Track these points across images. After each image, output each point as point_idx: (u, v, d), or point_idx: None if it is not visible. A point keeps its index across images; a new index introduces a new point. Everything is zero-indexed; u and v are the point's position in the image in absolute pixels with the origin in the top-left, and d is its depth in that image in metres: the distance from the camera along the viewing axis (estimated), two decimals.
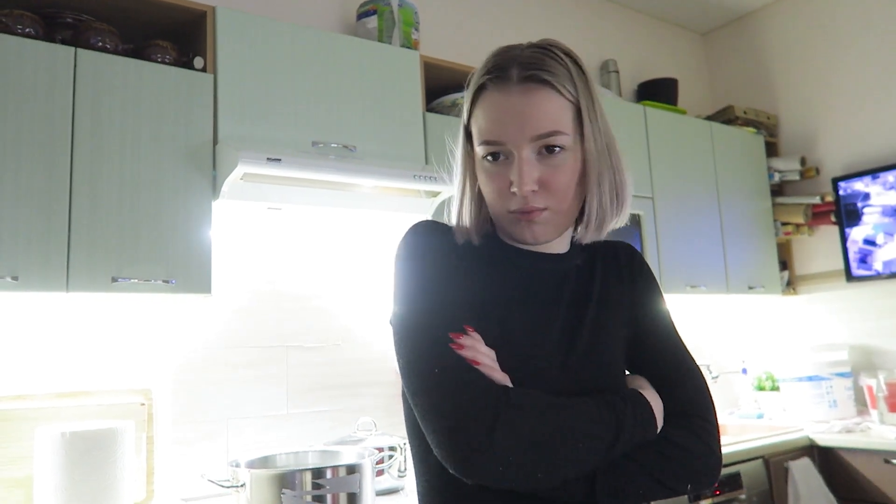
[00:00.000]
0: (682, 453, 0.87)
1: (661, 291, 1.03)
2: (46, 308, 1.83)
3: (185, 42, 1.95)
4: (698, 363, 0.98)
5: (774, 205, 3.29)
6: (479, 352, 0.81)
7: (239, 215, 2.16)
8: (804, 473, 2.48)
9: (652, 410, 0.87)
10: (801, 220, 3.22)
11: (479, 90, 0.89)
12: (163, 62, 1.83)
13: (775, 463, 2.45)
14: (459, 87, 2.42)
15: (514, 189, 0.85)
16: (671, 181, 2.89)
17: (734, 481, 2.29)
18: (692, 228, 2.92)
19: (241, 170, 1.71)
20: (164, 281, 1.69)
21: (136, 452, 1.78)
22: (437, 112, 2.35)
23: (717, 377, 2.87)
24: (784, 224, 3.29)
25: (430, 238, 0.91)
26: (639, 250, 1.05)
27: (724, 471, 2.27)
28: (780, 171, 3.32)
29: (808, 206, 3.22)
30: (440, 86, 2.43)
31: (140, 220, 1.69)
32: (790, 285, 3.32)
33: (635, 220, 2.75)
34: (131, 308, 1.94)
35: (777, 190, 3.37)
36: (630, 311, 0.98)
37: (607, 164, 0.91)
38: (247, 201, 1.90)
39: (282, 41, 1.97)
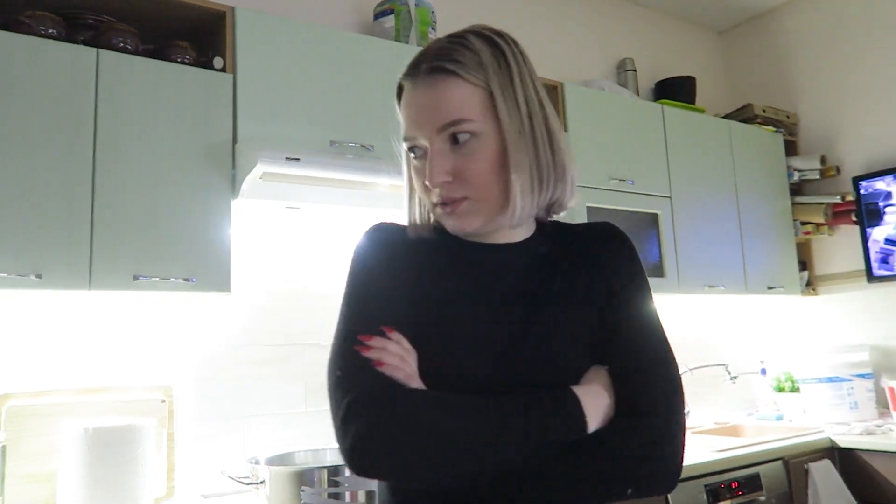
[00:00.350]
0: (613, 455, 0.80)
1: (640, 275, 0.94)
2: (69, 306, 1.85)
3: (205, 42, 1.97)
4: (672, 357, 0.90)
5: (794, 204, 3.26)
6: (388, 352, 0.81)
7: (258, 214, 2.17)
8: (824, 475, 2.45)
9: (580, 409, 0.80)
10: (820, 219, 3.18)
11: (400, 90, 0.92)
12: (182, 62, 1.85)
13: (795, 464, 2.43)
14: None
15: (427, 182, 0.86)
16: (689, 180, 2.87)
17: (754, 483, 2.27)
18: (710, 228, 2.90)
19: (260, 169, 1.72)
20: (184, 279, 1.71)
21: (157, 449, 1.79)
22: None
23: (735, 378, 2.84)
24: (804, 224, 3.25)
25: (370, 242, 0.93)
26: (622, 231, 0.96)
27: (744, 472, 2.26)
28: (799, 170, 3.28)
29: (828, 206, 3.18)
30: None
31: (161, 218, 1.71)
32: (810, 285, 3.28)
33: (652, 220, 2.73)
34: (152, 306, 1.96)
35: (796, 189, 3.34)
36: (600, 301, 0.90)
37: (529, 146, 0.86)
38: (265, 200, 1.91)
39: (300, 41, 1.98)
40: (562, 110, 2.56)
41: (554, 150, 0.88)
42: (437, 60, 0.86)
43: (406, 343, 0.83)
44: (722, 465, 2.22)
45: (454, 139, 0.85)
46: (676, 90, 3.20)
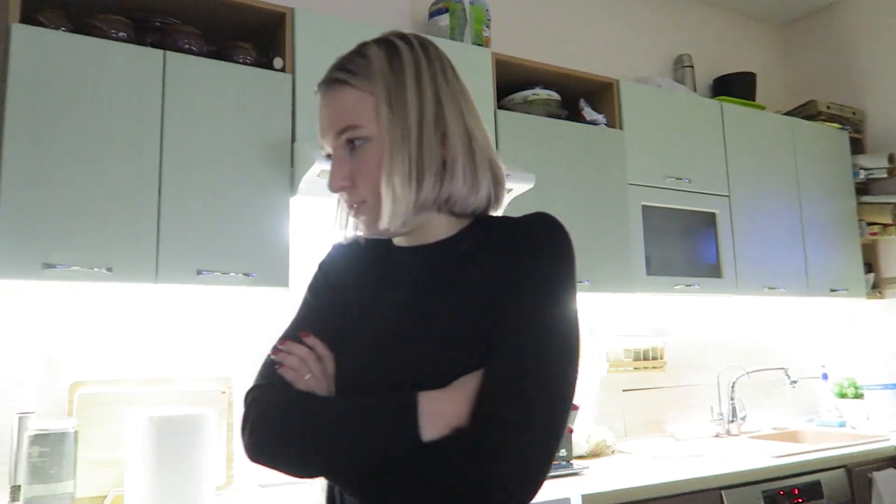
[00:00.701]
0: (436, 468, 0.74)
1: (551, 269, 0.85)
2: (137, 298, 1.93)
3: (265, 43, 2.02)
4: (559, 363, 0.79)
5: (859, 204, 3.14)
6: (291, 355, 0.88)
7: (315, 211, 2.21)
8: (889, 484, 2.36)
9: (413, 416, 0.76)
10: (888, 219, 3.06)
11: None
12: (244, 63, 1.90)
13: (858, 473, 2.35)
14: (531, 84, 2.43)
15: (328, 187, 0.90)
16: (749, 179, 2.80)
17: (814, 490, 2.21)
18: (771, 228, 2.82)
19: (318, 167, 1.75)
20: (244, 274, 1.75)
21: (217, 438, 1.85)
22: (507, 109, 2.35)
23: (795, 382, 2.76)
24: (870, 224, 3.13)
25: (322, 261, 1.02)
26: (553, 221, 0.89)
27: (805, 479, 2.19)
28: (865, 169, 3.16)
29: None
30: (512, 83, 2.42)
31: (223, 215, 1.76)
32: (875, 288, 3.16)
33: (710, 219, 2.67)
34: (215, 300, 2.02)
35: (862, 188, 3.21)
36: (500, 296, 0.84)
37: (412, 146, 0.85)
38: (323, 197, 1.94)
39: (356, 40, 2.00)
40: (616, 108, 2.53)
41: (448, 146, 0.87)
42: (334, 71, 0.91)
43: (321, 348, 0.88)
44: (780, 471, 2.16)
45: (351, 144, 0.88)
46: (735, 86, 3.12)
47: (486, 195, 0.91)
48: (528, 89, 2.42)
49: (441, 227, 0.92)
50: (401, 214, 0.86)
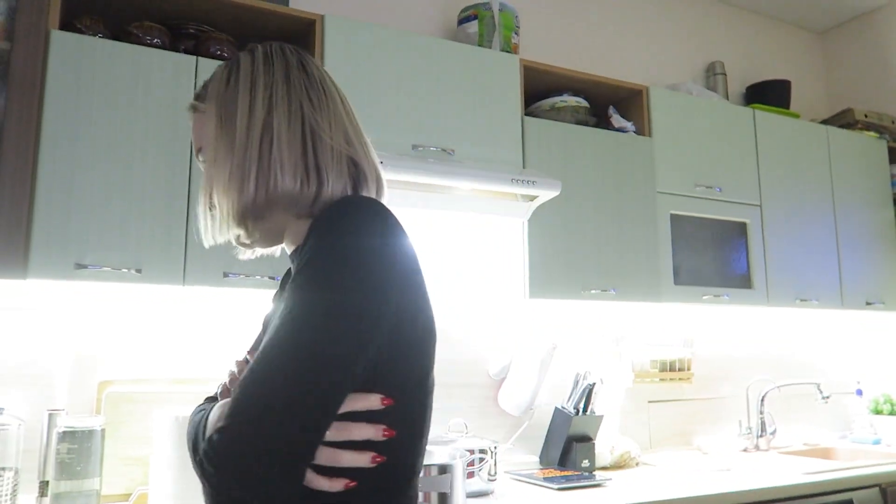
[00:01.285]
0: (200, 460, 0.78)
1: (315, 260, 0.79)
2: (165, 300, 1.96)
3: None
4: (293, 364, 0.74)
5: None
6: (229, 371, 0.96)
7: None
8: None
9: (205, 420, 0.81)
10: None
11: None
12: None
13: (894, 492, 2.27)
14: (559, 91, 2.42)
15: None
16: (782, 188, 2.74)
17: None
18: (804, 238, 2.76)
19: None
20: (269, 277, 1.77)
21: None
22: (535, 116, 2.34)
23: (828, 397, 2.69)
24: None
25: None
26: (340, 204, 0.84)
27: (836, 497, 2.13)
28: None
29: None
30: (540, 89, 2.42)
31: None
32: None
33: (740, 229, 2.63)
34: (240, 302, 2.04)
35: None
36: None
37: (228, 159, 0.89)
38: None
39: (385, 46, 2.02)
40: (646, 115, 2.50)
41: (274, 150, 0.87)
42: (194, 98, 0.98)
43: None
44: (811, 488, 2.10)
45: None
46: (769, 94, 3.07)
47: (339, 194, 0.89)
48: (557, 96, 2.41)
49: (300, 233, 0.90)
50: (222, 226, 0.90)
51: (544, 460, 2.31)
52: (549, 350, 2.25)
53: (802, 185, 2.81)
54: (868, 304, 2.86)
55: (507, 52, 2.33)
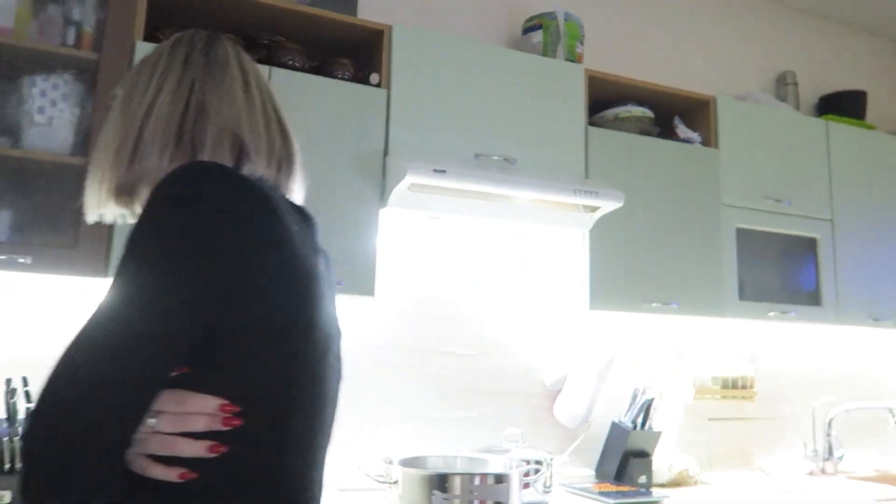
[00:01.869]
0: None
1: (135, 239, 0.76)
2: None
3: (363, 58, 2.08)
4: (99, 344, 0.71)
5: None
6: None
7: (402, 223, 2.26)
8: None
9: None
10: None
11: None
12: (342, 79, 1.97)
13: None
14: (623, 101, 2.40)
15: None
16: (855, 203, 2.65)
17: None
18: (879, 255, 2.65)
19: (409, 180, 1.80)
20: (337, 283, 1.81)
21: None
22: (599, 126, 2.32)
23: None
24: None
25: None
26: (170, 182, 0.79)
27: None
28: None
29: None
30: (604, 99, 2.40)
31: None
32: None
33: (810, 244, 2.54)
34: None
35: None
36: None
37: (99, 150, 0.94)
38: (411, 210, 1.98)
39: (450, 56, 2.05)
40: (713, 126, 2.45)
41: (147, 127, 0.89)
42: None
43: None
44: None
45: None
46: (843, 105, 2.96)
47: None
48: (620, 106, 2.38)
49: None
50: (100, 199, 0.92)
51: (600, 474, 2.29)
52: (608, 362, 2.23)
53: (877, 199, 2.70)
54: None
55: (572, 61, 2.32)
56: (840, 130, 2.68)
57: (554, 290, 2.43)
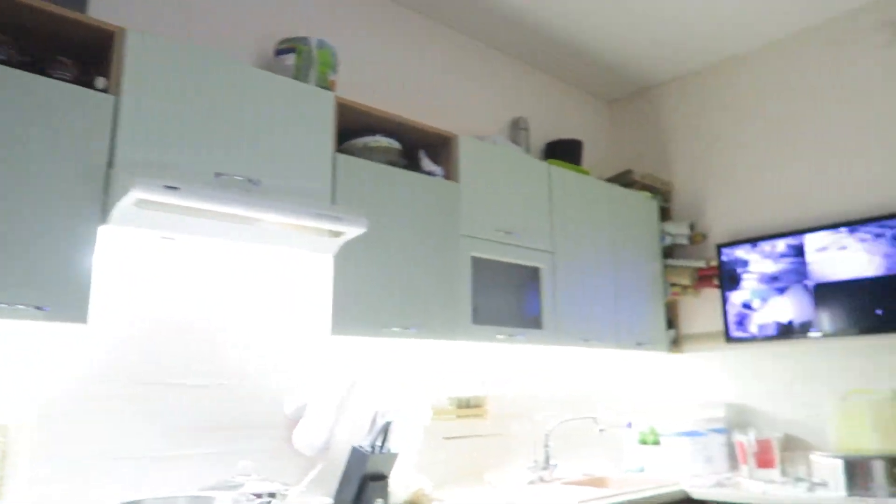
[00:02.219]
0: None
1: None
2: None
3: (90, 61, 1.88)
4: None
5: (665, 266, 3.48)
6: None
7: (130, 243, 2.07)
8: None
9: None
10: (687, 281, 3.42)
11: None
12: (61, 79, 1.76)
13: None
14: (373, 131, 2.47)
15: None
16: (571, 237, 3.01)
17: None
18: (589, 284, 3.04)
19: (133, 195, 1.65)
20: (35, 307, 1.59)
21: None
22: (348, 153, 2.36)
23: (603, 430, 2.96)
24: (673, 285, 3.48)
25: None
26: None
27: None
28: (671, 235, 3.52)
29: (694, 269, 3.43)
30: (355, 128, 2.45)
31: (13, 239, 1.59)
32: (676, 343, 3.50)
33: (534, 273, 2.83)
34: (1, 334, 1.80)
35: (668, 252, 3.57)
36: None
37: None
38: (138, 228, 1.83)
39: (192, 67, 1.94)
40: (455, 161, 2.63)
41: None
42: None
43: None
44: None
45: None
46: (565, 151, 3.38)
47: None
48: (370, 136, 2.45)
49: None
50: None
51: (339, 501, 2.28)
52: (348, 388, 2.24)
53: (589, 235, 3.11)
54: (639, 344, 3.21)
55: (325, 88, 2.34)
56: (560, 174, 3.05)
57: (298, 315, 2.40)
